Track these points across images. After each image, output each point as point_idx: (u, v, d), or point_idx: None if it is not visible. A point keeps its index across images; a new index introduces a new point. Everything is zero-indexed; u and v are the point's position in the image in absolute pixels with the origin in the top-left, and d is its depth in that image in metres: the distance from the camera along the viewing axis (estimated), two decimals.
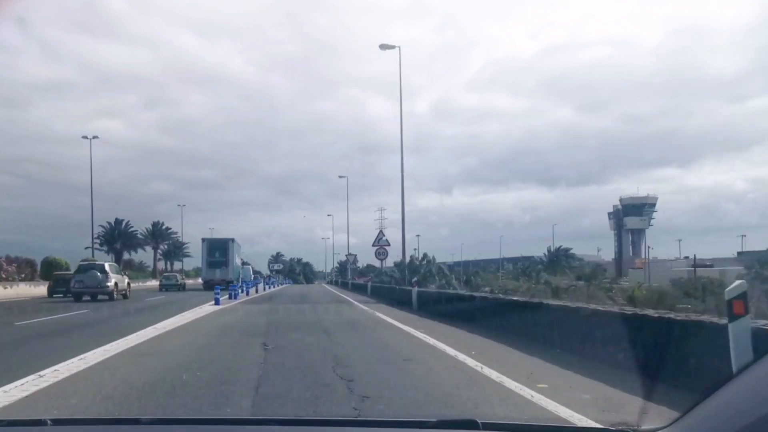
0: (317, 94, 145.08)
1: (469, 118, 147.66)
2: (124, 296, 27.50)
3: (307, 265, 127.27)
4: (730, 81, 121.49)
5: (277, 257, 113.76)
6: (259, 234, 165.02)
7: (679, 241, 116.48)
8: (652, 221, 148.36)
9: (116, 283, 26.39)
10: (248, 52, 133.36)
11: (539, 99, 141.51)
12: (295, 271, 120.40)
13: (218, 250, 43.17)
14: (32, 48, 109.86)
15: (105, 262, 31.81)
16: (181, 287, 44.59)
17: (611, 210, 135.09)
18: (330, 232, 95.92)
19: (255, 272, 67.60)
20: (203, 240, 47.51)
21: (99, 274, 25.45)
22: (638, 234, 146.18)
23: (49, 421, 1.91)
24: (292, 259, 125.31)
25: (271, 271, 65.48)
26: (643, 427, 1.71)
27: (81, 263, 29.94)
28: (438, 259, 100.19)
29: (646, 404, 4.90)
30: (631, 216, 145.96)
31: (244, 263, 59.74)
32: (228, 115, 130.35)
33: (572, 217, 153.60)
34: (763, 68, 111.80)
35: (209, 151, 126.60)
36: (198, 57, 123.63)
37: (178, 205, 76.01)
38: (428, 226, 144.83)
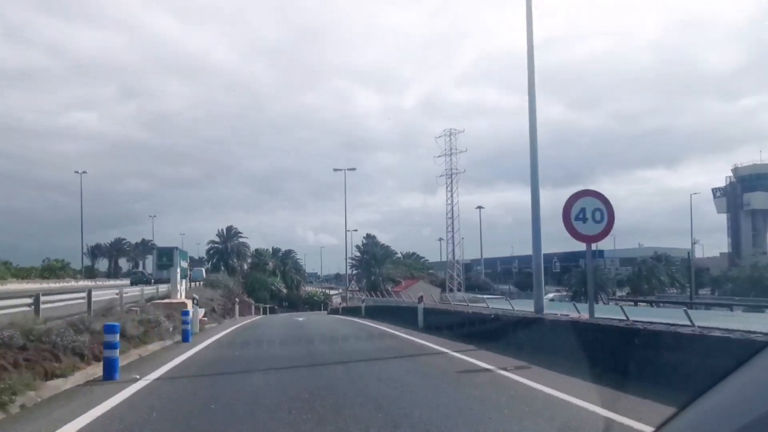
0: (303, 85, 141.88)
1: (457, 114, 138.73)
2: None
3: (288, 256, 73.72)
4: (724, 77, 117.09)
5: (227, 236, 61.98)
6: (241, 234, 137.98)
7: None
8: None
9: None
10: (231, 38, 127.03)
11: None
12: (266, 269, 67.60)
13: (165, 255, 45.79)
14: None
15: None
16: None
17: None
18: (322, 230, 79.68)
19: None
20: (154, 248, 55.72)
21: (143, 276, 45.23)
22: (763, 217, 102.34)
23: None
24: (259, 251, 71.87)
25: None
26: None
27: (133, 271, 60.79)
28: (432, 259, 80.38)
29: None
30: (757, 191, 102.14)
31: (194, 265, 59.89)
32: (209, 107, 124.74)
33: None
34: (759, 64, 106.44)
35: (189, 147, 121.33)
36: (178, 43, 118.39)
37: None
38: (411, 226, 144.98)
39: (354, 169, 43.82)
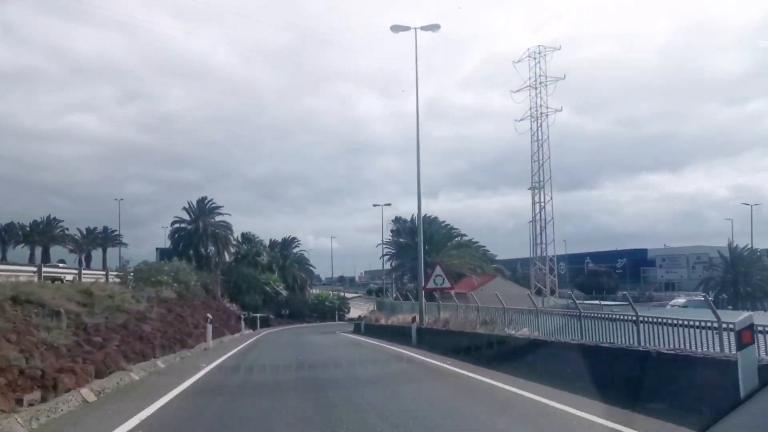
0: (305, 89, 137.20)
1: (462, 118, 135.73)
2: None
3: (289, 247, 53.32)
4: (731, 82, 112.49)
5: (199, 213, 43.10)
6: (220, 210, 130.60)
7: None
8: None
9: None
10: (233, 41, 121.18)
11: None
12: (258, 262, 48.18)
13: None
14: None
15: None
16: None
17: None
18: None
19: None
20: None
21: None
22: None
23: None
24: (248, 236, 52.33)
25: None
26: None
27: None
28: None
29: None
30: None
31: None
32: (210, 110, 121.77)
33: (564, 221, 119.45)
34: (767, 68, 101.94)
35: (190, 150, 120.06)
36: (179, 45, 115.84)
37: None
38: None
39: (438, 26, 23.33)
